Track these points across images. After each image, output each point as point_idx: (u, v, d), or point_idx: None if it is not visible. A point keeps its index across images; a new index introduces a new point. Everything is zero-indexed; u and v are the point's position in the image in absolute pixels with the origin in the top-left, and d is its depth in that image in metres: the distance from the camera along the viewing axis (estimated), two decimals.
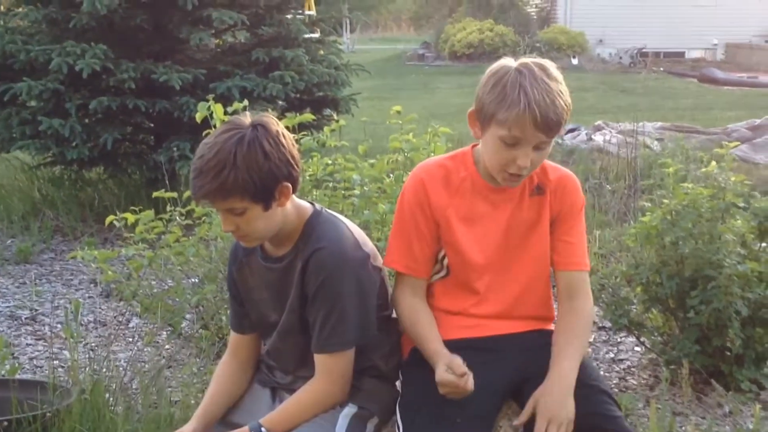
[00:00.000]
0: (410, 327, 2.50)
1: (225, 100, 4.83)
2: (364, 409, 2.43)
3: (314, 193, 3.98)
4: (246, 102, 4.14)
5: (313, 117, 4.81)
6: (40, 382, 3.38)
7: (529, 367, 2.44)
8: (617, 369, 4.10)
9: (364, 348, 2.43)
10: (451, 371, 2.28)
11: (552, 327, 2.56)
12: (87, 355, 3.84)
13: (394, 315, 2.60)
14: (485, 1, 26.12)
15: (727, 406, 3.56)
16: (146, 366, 3.71)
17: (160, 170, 5.93)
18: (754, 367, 3.69)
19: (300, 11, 8.03)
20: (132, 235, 4.07)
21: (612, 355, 4.26)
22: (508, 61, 2.37)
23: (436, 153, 3.87)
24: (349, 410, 2.41)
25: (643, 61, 22.26)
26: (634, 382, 3.92)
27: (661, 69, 21.60)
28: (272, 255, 2.44)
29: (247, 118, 2.30)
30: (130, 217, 4.03)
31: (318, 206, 2.48)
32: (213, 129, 3.79)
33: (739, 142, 6.62)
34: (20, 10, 7.11)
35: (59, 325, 4.61)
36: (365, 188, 3.95)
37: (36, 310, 4.96)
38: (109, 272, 4.09)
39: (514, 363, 2.46)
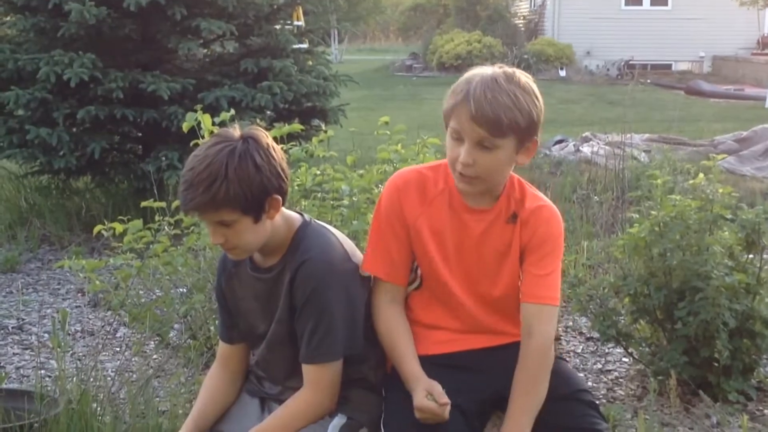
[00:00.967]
0: (387, 339, 2.46)
1: (213, 110, 4.84)
2: (353, 420, 2.43)
3: (303, 203, 3.98)
4: (233, 112, 4.14)
5: (302, 127, 4.81)
6: (27, 392, 3.37)
7: (508, 382, 2.39)
8: (605, 380, 4.11)
9: (353, 359, 2.43)
10: (432, 398, 2.27)
11: None
12: (74, 365, 3.83)
13: None
14: (473, 12, 26.20)
15: (714, 417, 3.57)
16: (134, 376, 3.70)
17: (148, 180, 5.93)
18: (741, 378, 3.71)
19: (288, 22, 8.03)
20: (120, 244, 4.05)
21: (600, 365, 4.27)
22: (488, 67, 2.39)
23: (423, 163, 3.87)
24: (339, 421, 2.40)
25: (630, 73, 22.33)
26: (622, 393, 3.93)
27: (648, 81, 21.68)
28: (261, 266, 2.44)
29: (236, 131, 2.29)
30: (118, 227, 4.01)
31: (307, 217, 2.48)
32: (201, 139, 3.79)
33: (726, 154, 6.67)
34: (8, 18, 7.13)
35: (46, 335, 4.60)
36: (354, 198, 3.95)
37: (23, 319, 4.94)
38: (97, 282, 4.07)
39: (492, 380, 2.43)
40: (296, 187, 4.03)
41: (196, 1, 6.58)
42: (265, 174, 2.25)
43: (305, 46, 7.98)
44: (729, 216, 3.77)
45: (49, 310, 5.06)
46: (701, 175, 3.84)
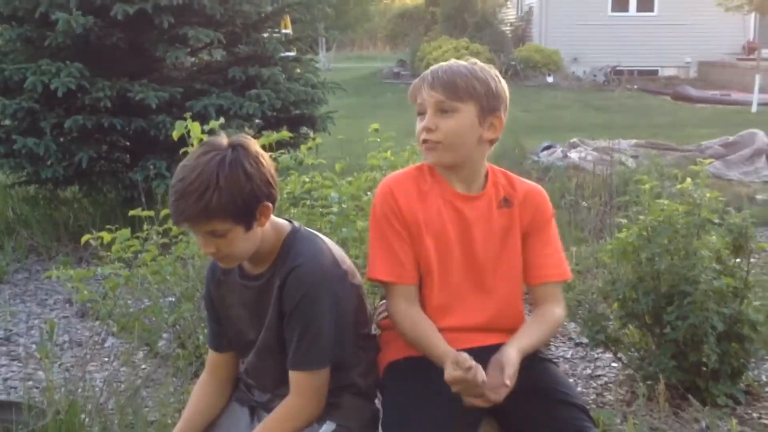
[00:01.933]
0: (413, 337, 2.46)
1: (201, 118, 4.84)
2: (342, 427, 2.42)
3: (292, 211, 3.98)
4: (222, 120, 4.14)
5: (290, 135, 4.81)
6: (15, 403, 3.35)
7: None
8: (594, 385, 4.11)
9: (343, 365, 2.43)
10: (457, 367, 2.25)
11: None
12: (62, 376, 3.81)
13: (373, 332, 2.60)
14: (461, 19, 26.24)
15: (703, 421, 3.58)
16: (122, 386, 3.68)
17: (136, 189, 5.92)
18: (730, 382, 3.72)
19: (276, 30, 8.04)
20: (108, 254, 4.05)
21: (589, 371, 4.28)
22: None
23: None
24: (328, 427, 2.40)
25: (617, 79, 22.44)
26: (612, 398, 3.93)
27: (635, 87, 21.78)
28: (250, 273, 2.44)
29: (224, 139, 2.28)
30: (106, 236, 4.01)
31: (296, 224, 2.47)
32: (190, 147, 3.79)
33: (713, 159, 6.70)
34: None
35: (34, 346, 4.58)
36: (343, 206, 3.95)
37: (10, 330, 4.92)
38: (85, 292, 4.06)
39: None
40: (285, 195, 4.04)
41: (184, 9, 6.57)
42: (256, 182, 2.24)
43: (293, 54, 7.99)
44: (716, 220, 3.78)
45: (36, 321, 5.04)
46: (689, 179, 3.85)
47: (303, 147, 4.48)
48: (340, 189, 4.06)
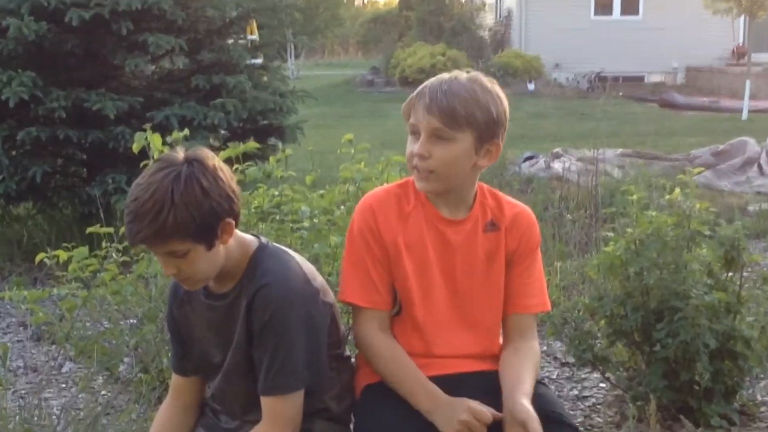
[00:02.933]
0: (391, 366, 2.45)
1: (163, 129, 4.83)
2: None
3: (260, 226, 3.97)
4: (186, 131, 4.12)
5: (258, 146, 4.80)
6: None
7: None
8: (582, 407, 4.12)
9: (315, 389, 2.41)
10: (472, 416, 2.29)
11: None
12: (17, 403, 3.78)
13: (347, 353, 2.59)
14: (436, 24, 26.41)
15: None
16: (81, 414, 3.65)
17: (94, 204, 5.89)
18: (723, 401, 3.73)
19: (242, 36, 8.04)
20: (64, 273, 4.02)
21: (576, 392, 4.28)
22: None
23: (389, 183, 3.89)
24: None
25: (601, 85, 22.61)
26: (600, 420, 3.94)
27: (621, 94, 21.96)
28: (215, 291, 2.42)
29: (180, 154, 2.26)
30: (63, 255, 3.98)
31: (263, 239, 2.46)
32: (151, 160, 3.77)
33: (702, 168, 6.75)
34: None
35: None
36: (315, 220, 3.95)
37: None
38: (40, 314, 4.03)
39: None
40: (253, 210, 4.02)
41: (143, 14, 6.55)
42: (214, 197, 2.22)
43: (260, 61, 7.99)
44: (707, 232, 3.81)
45: None
46: (677, 190, 3.88)
47: (272, 159, 4.47)
48: (312, 203, 4.06)
